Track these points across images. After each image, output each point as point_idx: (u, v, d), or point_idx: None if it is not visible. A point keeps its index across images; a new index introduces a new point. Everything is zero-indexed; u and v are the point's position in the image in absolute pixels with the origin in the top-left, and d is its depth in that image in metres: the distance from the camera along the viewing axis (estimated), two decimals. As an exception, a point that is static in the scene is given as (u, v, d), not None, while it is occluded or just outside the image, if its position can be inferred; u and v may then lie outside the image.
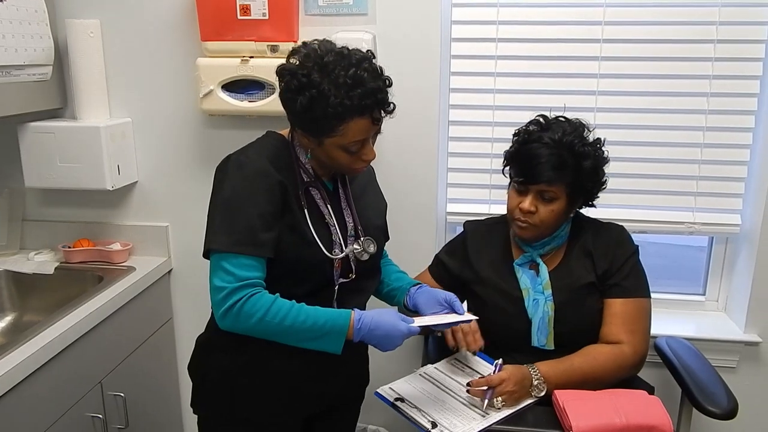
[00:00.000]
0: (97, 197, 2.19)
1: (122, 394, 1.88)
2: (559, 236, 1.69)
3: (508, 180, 1.70)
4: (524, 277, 1.68)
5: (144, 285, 2.06)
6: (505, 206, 1.71)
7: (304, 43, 1.40)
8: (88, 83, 2.05)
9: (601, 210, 1.75)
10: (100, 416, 1.79)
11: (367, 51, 1.39)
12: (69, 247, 2.15)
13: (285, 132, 1.50)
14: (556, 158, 1.58)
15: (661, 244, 2.23)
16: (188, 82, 2.04)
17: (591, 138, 1.66)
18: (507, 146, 1.73)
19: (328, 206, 1.47)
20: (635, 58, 1.97)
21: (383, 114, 1.40)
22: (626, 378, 1.62)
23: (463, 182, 2.13)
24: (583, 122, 1.67)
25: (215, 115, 2.06)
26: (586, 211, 1.75)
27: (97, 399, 1.82)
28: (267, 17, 1.89)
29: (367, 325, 1.37)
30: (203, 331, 1.57)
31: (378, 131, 1.42)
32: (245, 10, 1.89)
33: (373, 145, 1.43)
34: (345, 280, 1.49)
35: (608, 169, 1.69)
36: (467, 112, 2.08)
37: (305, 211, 1.42)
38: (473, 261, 1.77)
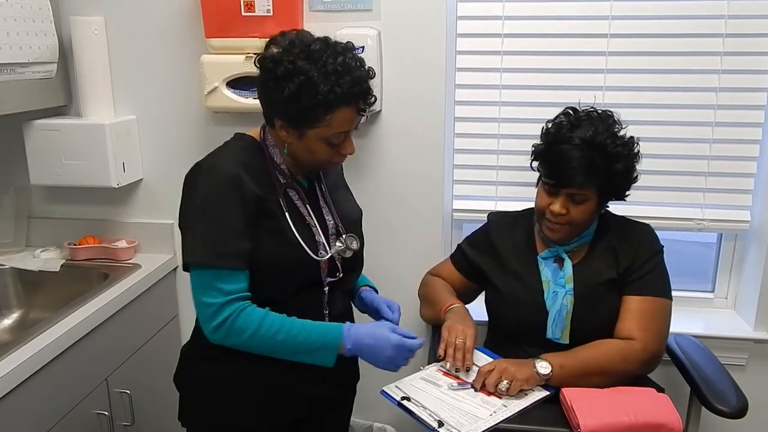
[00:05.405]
0: (103, 194, 2.18)
1: (128, 392, 1.88)
2: (587, 233, 1.67)
3: (537, 174, 1.66)
4: (546, 269, 1.67)
5: (150, 282, 2.06)
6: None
7: (282, 33, 1.37)
8: (92, 80, 2.05)
9: (610, 206, 1.73)
10: (106, 413, 1.80)
11: (347, 42, 1.36)
12: (75, 245, 2.15)
13: (254, 133, 1.45)
14: (587, 161, 1.54)
15: (669, 240, 2.21)
16: (193, 79, 2.03)
17: (623, 134, 1.61)
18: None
19: (307, 206, 1.43)
20: (643, 53, 1.95)
21: (366, 106, 1.36)
22: (634, 375, 1.60)
23: (470, 179, 2.11)
24: (614, 116, 1.62)
25: (220, 112, 2.05)
26: (613, 208, 1.73)
27: (103, 396, 1.82)
28: (271, 13, 1.88)
29: (355, 334, 1.35)
30: (187, 340, 1.53)
31: (358, 125, 1.38)
32: (249, 6, 1.88)
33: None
34: (333, 279, 1.45)
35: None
36: (473, 108, 2.06)
37: (286, 214, 1.38)
38: (496, 249, 1.75)
